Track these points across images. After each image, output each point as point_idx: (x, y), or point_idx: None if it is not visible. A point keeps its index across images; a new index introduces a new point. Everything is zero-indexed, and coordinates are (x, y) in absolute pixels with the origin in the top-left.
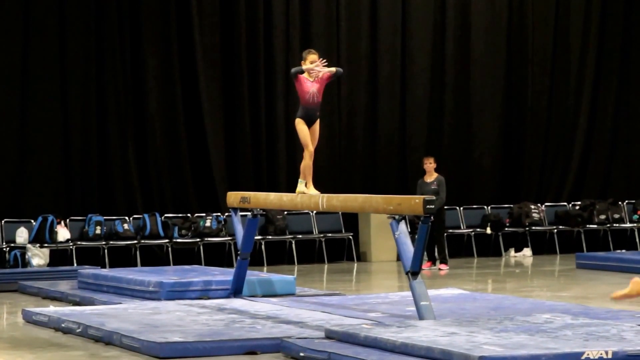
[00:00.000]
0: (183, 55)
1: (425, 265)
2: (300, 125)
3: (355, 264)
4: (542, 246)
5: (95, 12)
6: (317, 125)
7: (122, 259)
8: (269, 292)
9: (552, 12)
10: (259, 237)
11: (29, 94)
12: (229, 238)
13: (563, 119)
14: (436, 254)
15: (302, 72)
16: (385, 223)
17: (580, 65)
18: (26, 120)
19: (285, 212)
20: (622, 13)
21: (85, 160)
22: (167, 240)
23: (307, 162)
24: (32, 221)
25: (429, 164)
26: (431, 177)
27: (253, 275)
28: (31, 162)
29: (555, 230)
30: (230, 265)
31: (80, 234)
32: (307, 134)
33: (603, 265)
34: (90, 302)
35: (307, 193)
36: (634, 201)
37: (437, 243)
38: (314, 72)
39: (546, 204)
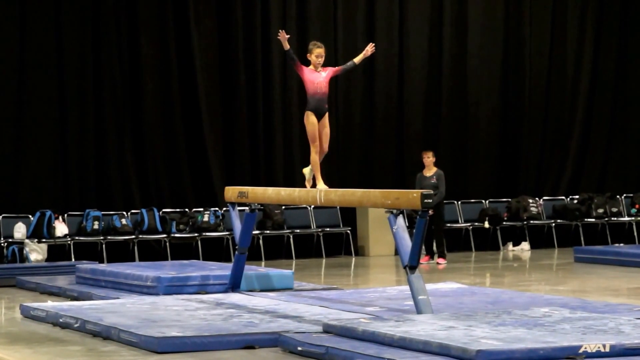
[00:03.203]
0: (180, 50)
1: (423, 260)
2: (310, 118)
3: (353, 259)
4: (540, 240)
5: (92, 7)
6: (326, 119)
7: (120, 254)
8: (267, 287)
9: (548, 5)
10: (257, 232)
11: (26, 90)
12: (227, 233)
13: (560, 113)
14: (434, 248)
15: (295, 61)
16: (383, 217)
17: (578, 59)
18: (23, 115)
19: (283, 207)
20: (619, 2)
21: (83, 155)
22: (165, 235)
23: (313, 158)
24: (30, 216)
25: (428, 158)
26: (430, 171)
27: (251, 269)
28: (29, 157)
29: (553, 224)
30: (228, 260)
31: (78, 229)
32: (315, 129)
33: (601, 259)
34: (88, 297)
35: (308, 181)
36: (631, 195)
37: (435, 237)
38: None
39: (544, 198)
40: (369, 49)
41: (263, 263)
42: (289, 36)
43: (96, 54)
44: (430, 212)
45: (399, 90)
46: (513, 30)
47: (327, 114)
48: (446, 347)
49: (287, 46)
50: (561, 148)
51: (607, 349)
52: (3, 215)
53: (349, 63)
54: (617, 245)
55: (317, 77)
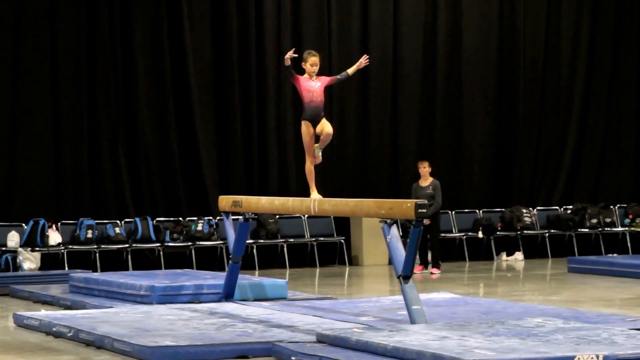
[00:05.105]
0: (174, 59)
1: (417, 269)
2: (304, 128)
3: (347, 268)
4: (534, 250)
5: (87, 12)
6: (323, 122)
7: (114, 262)
8: (261, 296)
9: (543, 16)
10: (251, 241)
11: (20, 98)
12: (221, 242)
13: (554, 123)
14: (429, 257)
15: (293, 75)
16: (377, 227)
17: (572, 70)
18: (17, 123)
19: (277, 216)
20: (612, 17)
21: (77, 163)
22: (158, 244)
23: (308, 167)
24: (24, 225)
25: (424, 168)
26: (426, 181)
27: (244, 279)
28: (22, 165)
29: (547, 234)
30: (222, 269)
31: (71, 238)
32: (309, 139)
33: (594, 269)
34: (82, 306)
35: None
36: (625, 205)
37: (431, 247)
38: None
39: (538, 207)
40: (363, 60)
41: (257, 272)
42: (296, 55)
43: (90, 63)
44: (427, 222)
45: (393, 100)
46: (507, 41)
47: (323, 119)
48: (439, 357)
49: (288, 63)
50: (555, 158)
51: None
52: None
53: (343, 74)
54: (610, 255)
55: (312, 85)
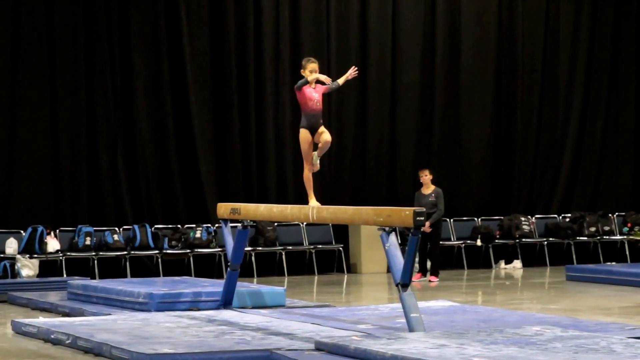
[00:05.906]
0: (173, 67)
1: (416, 277)
2: (303, 135)
3: (345, 276)
4: (532, 258)
5: (85, 22)
6: (322, 130)
7: (112, 270)
8: (259, 304)
9: (541, 26)
10: (249, 249)
11: (18, 105)
12: (219, 249)
13: (552, 131)
14: (428, 265)
15: (307, 82)
16: (375, 235)
17: (570, 78)
18: (15, 130)
19: (276, 224)
20: (610, 26)
21: (75, 170)
22: (157, 252)
23: (306, 175)
24: (22, 232)
25: (425, 176)
26: (428, 189)
27: (243, 286)
28: (21, 172)
29: (546, 243)
30: (220, 276)
31: (70, 245)
32: (308, 147)
33: (593, 277)
34: (80, 313)
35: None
36: (623, 213)
37: (432, 255)
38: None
39: (536, 216)
40: (352, 71)
41: (255, 280)
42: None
43: (89, 70)
44: (428, 229)
45: (391, 107)
46: (506, 50)
47: (322, 127)
48: None
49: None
50: (553, 166)
51: None
52: None
53: (334, 84)
54: (609, 263)
55: (314, 94)
